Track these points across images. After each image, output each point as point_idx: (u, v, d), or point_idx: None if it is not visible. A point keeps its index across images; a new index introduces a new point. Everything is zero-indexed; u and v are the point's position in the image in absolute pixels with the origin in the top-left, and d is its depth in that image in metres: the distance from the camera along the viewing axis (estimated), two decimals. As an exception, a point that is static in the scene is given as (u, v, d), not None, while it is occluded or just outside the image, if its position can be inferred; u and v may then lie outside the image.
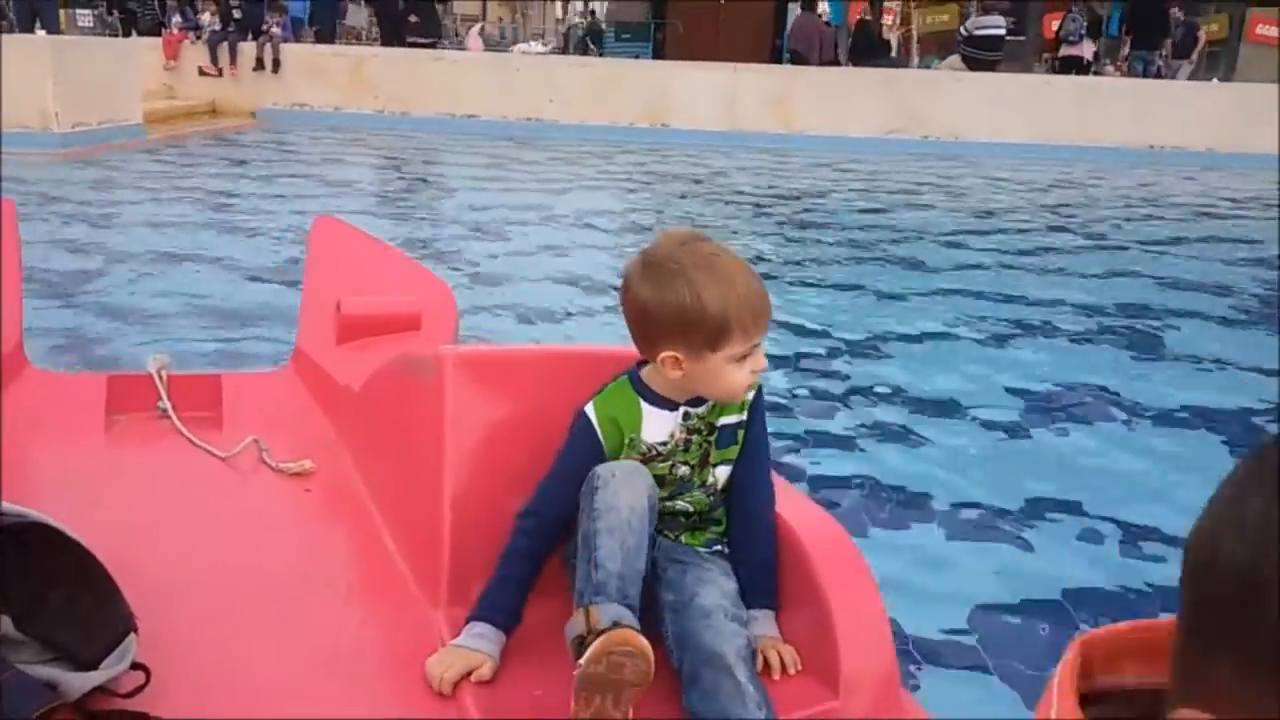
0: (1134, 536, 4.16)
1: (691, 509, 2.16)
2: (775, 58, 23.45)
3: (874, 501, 4.37)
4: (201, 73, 19.48)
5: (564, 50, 26.19)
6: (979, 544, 4.07)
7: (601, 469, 2.03)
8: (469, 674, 1.99)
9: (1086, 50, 21.01)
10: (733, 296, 1.97)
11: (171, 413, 3.01)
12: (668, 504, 2.14)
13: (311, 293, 3.66)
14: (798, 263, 9.18)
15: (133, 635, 1.91)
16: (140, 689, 1.85)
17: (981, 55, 19.79)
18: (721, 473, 2.17)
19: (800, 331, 6.77)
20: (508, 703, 1.92)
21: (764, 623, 2.08)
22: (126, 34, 21.28)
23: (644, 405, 2.12)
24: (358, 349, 3.25)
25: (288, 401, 3.25)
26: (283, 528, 2.64)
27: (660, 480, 2.11)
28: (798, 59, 21.08)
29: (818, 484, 4.48)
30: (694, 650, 1.90)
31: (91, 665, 1.83)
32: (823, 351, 6.45)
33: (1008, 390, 5.84)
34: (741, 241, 9.73)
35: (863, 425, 5.20)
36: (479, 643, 2.03)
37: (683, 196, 13.09)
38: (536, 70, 19.84)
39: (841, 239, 10.39)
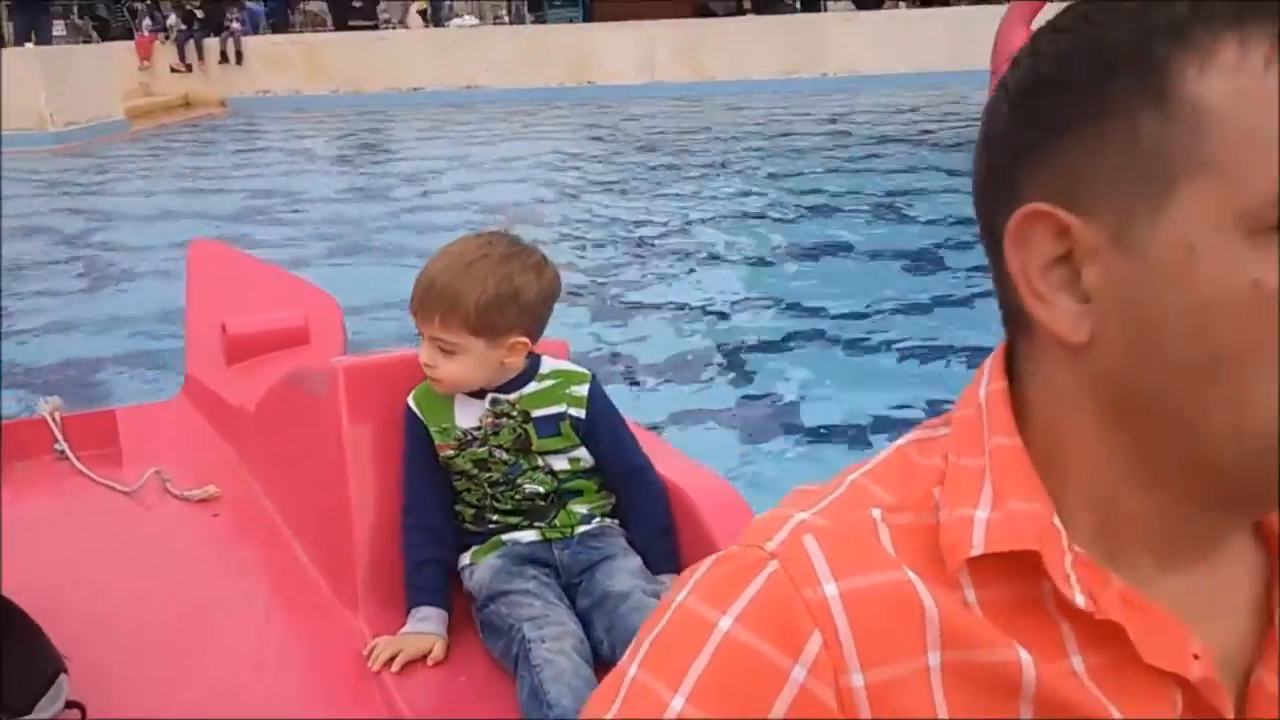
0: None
1: (542, 489, 2.14)
2: (699, 12, 23.37)
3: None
4: (172, 70, 20.39)
5: (510, 20, 26.40)
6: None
7: (529, 632, 1.96)
8: (424, 657, 2.02)
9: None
10: (420, 276, 2.10)
11: (69, 453, 2.90)
12: (513, 491, 2.13)
13: (196, 317, 3.49)
14: (676, 180, 11.05)
15: (63, 675, 1.86)
16: (78, 726, 1.83)
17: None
18: (555, 462, 2.15)
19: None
20: (433, 690, 2.00)
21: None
22: (101, 39, 21.73)
23: (456, 394, 2.16)
24: (249, 369, 3.13)
25: (184, 429, 3.12)
26: (195, 553, 2.57)
27: (484, 464, 2.11)
28: (704, 11, 21.85)
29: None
30: (622, 635, 1.94)
31: (24, 710, 1.79)
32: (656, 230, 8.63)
33: (802, 248, 8.05)
34: (632, 172, 11.67)
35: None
36: (426, 625, 2.05)
37: (596, 140, 14.13)
38: (471, 42, 20.64)
39: (716, 160, 12.10)
